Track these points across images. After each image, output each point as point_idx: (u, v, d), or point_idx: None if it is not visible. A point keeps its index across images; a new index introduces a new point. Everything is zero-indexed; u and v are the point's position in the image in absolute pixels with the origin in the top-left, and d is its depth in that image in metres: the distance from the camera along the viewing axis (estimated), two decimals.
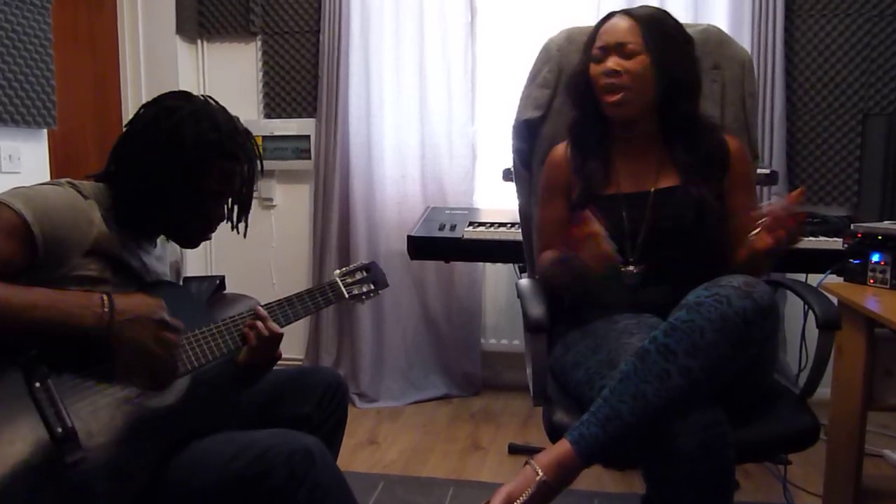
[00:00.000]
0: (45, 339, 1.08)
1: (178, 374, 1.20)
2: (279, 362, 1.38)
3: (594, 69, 1.56)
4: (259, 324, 1.30)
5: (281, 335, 1.32)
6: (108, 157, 1.28)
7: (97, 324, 1.09)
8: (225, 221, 1.35)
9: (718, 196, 1.55)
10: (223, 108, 1.30)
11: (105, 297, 1.12)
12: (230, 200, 1.32)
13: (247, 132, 1.31)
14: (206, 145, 1.23)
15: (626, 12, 1.57)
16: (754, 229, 1.34)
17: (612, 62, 1.52)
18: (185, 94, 1.30)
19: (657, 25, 1.54)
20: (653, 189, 1.56)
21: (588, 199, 1.56)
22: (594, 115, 1.61)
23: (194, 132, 1.22)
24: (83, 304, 1.10)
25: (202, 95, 1.30)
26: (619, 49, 1.52)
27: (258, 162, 1.33)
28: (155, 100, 1.28)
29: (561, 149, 1.68)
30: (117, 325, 1.10)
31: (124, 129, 1.28)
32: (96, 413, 1.11)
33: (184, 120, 1.22)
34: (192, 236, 1.34)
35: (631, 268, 1.44)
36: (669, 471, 1.18)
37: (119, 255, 1.22)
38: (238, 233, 1.34)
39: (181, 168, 1.22)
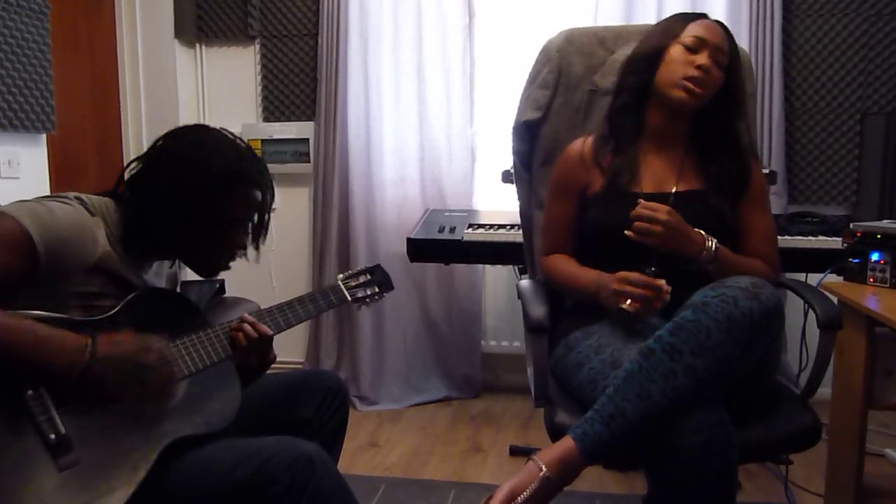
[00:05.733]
0: (18, 366, 1.06)
1: (175, 382, 1.20)
2: (280, 366, 1.38)
3: (682, 55, 1.52)
4: (245, 326, 1.29)
5: (270, 337, 1.31)
6: (118, 179, 1.29)
7: (68, 371, 1.07)
8: (249, 247, 1.36)
9: (733, 211, 1.56)
10: (239, 137, 1.33)
11: (89, 342, 1.09)
12: (249, 227, 1.34)
13: (262, 160, 1.34)
14: (234, 174, 1.26)
15: (721, 24, 1.58)
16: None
17: (708, 59, 1.51)
18: (204, 127, 1.33)
19: (736, 48, 1.59)
20: (673, 190, 1.56)
21: (612, 194, 1.56)
22: (638, 102, 1.60)
23: (222, 162, 1.25)
24: (63, 346, 1.08)
25: (218, 129, 1.33)
26: (715, 52, 1.52)
27: (273, 189, 1.36)
28: (174, 133, 1.30)
29: (578, 145, 1.65)
30: (94, 369, 1.08)
31: (143, 159, 1.29)
32: (90, 419, 1.10)
33: (211, 152, 1.25)
34: (215, 265, 1.35)
35: (653, 268, 1.44)
36: (672, 470, 1.17)
37: (122, 272, 1.23)
38: (254, 260, 1.36)
39: (210, 198, 1.24)
